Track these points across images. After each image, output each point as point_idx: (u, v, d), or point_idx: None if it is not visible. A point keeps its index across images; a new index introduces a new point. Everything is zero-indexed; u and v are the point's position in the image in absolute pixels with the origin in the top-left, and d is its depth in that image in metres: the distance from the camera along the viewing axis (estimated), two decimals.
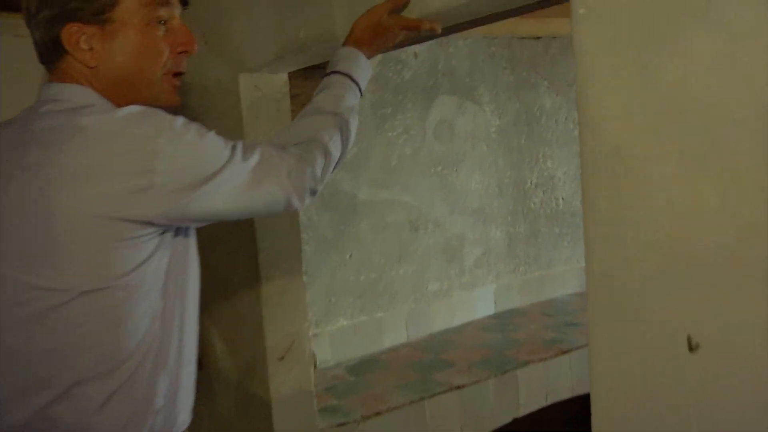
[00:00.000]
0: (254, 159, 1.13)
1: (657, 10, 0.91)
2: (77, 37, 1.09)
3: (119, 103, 1.11)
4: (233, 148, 1.11)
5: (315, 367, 2.88)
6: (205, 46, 2.15)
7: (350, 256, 3.05)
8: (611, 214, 1.03)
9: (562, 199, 3.80)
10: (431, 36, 1.48)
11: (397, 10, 1.41)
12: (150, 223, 1.04)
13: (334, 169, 1.31)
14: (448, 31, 1.79)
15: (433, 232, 3.32)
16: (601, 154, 1.04)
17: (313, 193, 1.24)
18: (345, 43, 1.45)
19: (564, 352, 2.87)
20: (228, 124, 2.13)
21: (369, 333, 3.10)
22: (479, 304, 3.53)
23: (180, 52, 1.18)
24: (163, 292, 1.13)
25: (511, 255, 3.64)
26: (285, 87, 2.18)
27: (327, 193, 2.94)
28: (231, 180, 1.09)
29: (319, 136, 1.28)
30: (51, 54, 1.13)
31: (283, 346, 2.24)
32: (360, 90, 1.42)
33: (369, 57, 1.44)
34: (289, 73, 2.19)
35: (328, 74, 1.44)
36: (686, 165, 0.90)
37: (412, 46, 3.16)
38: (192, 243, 1.22)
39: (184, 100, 2.20)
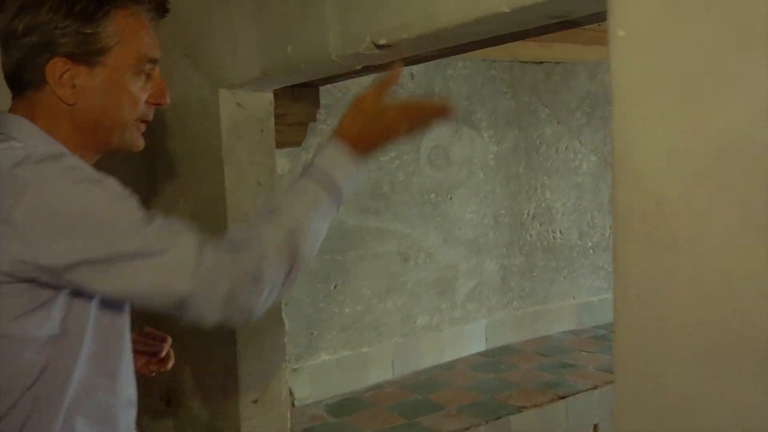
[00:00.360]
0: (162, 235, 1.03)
1: (716, 36, 0.75)
2: (62, 72, 1.07)
3: (89, 143, 1.13)
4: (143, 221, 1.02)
5: (293, 405, 2.68)
6: (185, 59, 1.99)
7: (335, 286, 2.87)
8: (647, 282, 0.86)
9: (560, 232, 3.64)
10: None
11: (389, 92, 1.20)
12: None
13: (279, 292, 1.10)
14: (450, 52, 1.62)
15: (425, 263, 3.14)
16: (637, 209, 0.88)
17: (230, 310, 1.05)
18: (333, 135, 1.21)
19: (561, 398, 2.69)
20: (206, 143, 1.96)
21: (353, 369, 2.91)
22: (470, 339, 3.35)
23: (153, 104, 1.18)
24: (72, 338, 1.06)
25: (504, 288, 3.47)
26: (270, 106, 2.00)
27: None
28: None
29: (262, 250, 1.08)
30: (25, 81, 1.10)
31: (258, 387, 2.05)
32: (341, 193, 1.18)
33: (364, 154, 1.19)
34: (275, 92, 2.02)
35: (307, 167, 1.20)
36: (748, 227, 0.73)
37: (409, 66, 3.01)
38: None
39: (161, 117, 2.03)
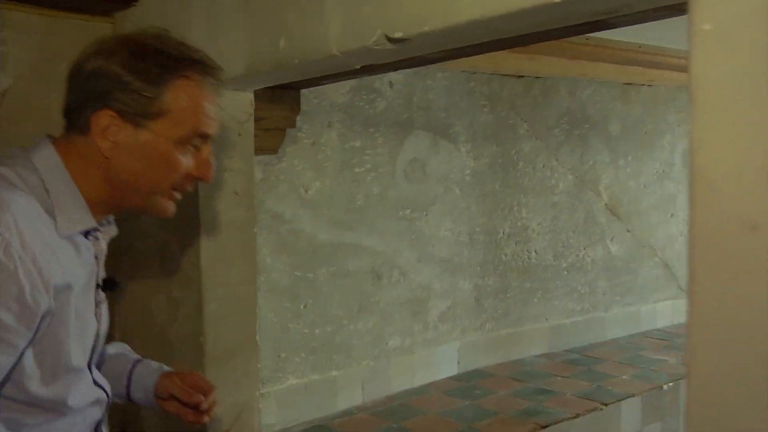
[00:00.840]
0: None
1: None
2: (108, 125, 1.08)
3: (113, 198, 1.14)
4: None
5: None
6: None
7: (305, 306, 2.68)
8: (728, 309, 0.73)
9: (535, 251, 3.52)
10: None
11: None
12: None
13: None
14: (459, 53, 1.47)
15: (398, 282, 2.98)
16: (718, 226, 0.74)
17: None
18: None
19: (542, 427, 2.55)
20: None
21: (321, 393, 2.72)
22: (442, 362, 3.19)
23: (195, 178, 1.17)
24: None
25: (478, 310, 3.32)
26: (250, 107, 1.83)
27: (285, 232, 2.58)
28: None
29: None
30: (73, 121, 1.11)
31: (230, 416, 1.87)
32: None
33: None
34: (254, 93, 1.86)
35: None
36: None
37: (389, 74, 2.86)
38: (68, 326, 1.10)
39: None
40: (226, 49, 1.58)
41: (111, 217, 1.23)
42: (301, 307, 2.67)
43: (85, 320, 1.15)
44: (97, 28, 1.91)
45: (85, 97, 1.09)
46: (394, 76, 2.88)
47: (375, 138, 2.85)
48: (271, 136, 2.09)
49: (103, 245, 1.20)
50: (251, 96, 1.81)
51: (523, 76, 3.34)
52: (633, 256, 3.96)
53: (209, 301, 1.81)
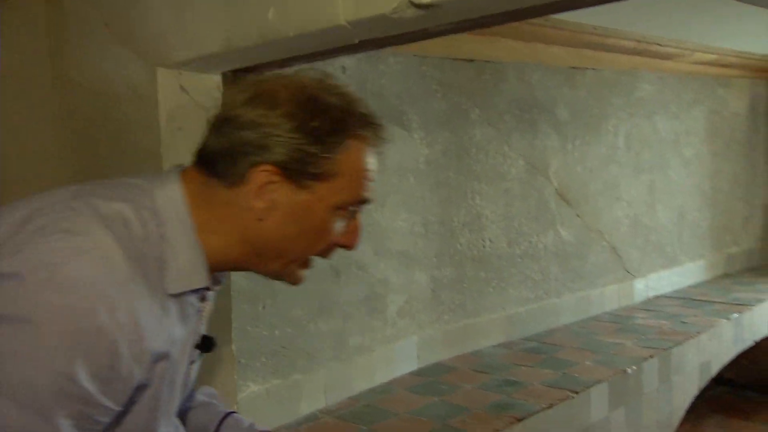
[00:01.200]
0: None
1: None
2: (268, 182, 0.96)
3: (239, 259, 1.00)
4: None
5: None
6: (105, 31, 1.59)
7: (264, 307, 2.51)
8: None
9: (489, 240, 3.44)
10: None
11: None
12: None
13: None
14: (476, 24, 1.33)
15: (356, 277, 2.84)
16: None
17: None
18: None
19: (518, 420, 2.47)
20: (139, 137, 1.58)
21: (284, 399, 2.56)
22: (401, 358, 3.07)
23: (340, 245, 1.06)
24: None
25: (435, 302, 3.22)
26: (217, 91, 1.66)
27: None
28: None
29: None
30: (219, 170, 0.97)
31: None
32: None
33: None
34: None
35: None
36: None
37: (340, 58, 2.71)
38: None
39: (73, 106, 1.61)
40: (196, 23, 1.40)
41: (224, 274, 1.09)
42: (260, 308, 2.50)
43: (177, 386, 1.01)
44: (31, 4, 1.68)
45: (240, 147, 0.95)
46: (347, 60, 2.73)
47: None
48: None
49: (211, 303, 1.07)
50: (219, 78, 1.64)
51: (473, 60, 3.25)
52: (582, 241, 3.94)
53: None
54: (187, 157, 1.52)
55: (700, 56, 3.85)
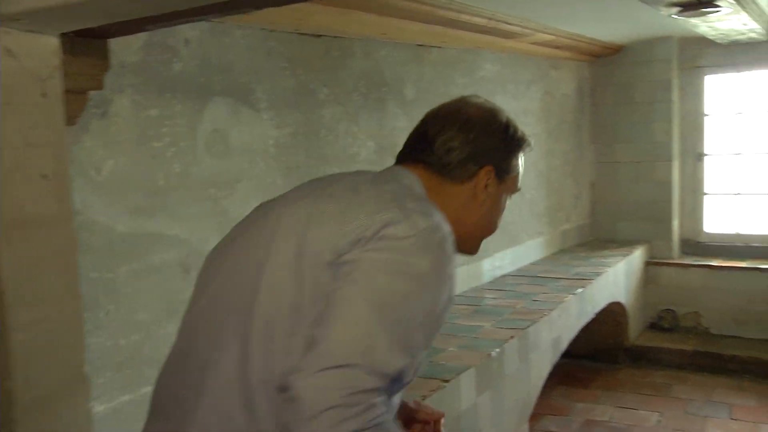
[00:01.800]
0: None
1: None
2: (489, 179, 1.33)
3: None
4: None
5: None
6: None
7: (107, 313, 2.19)
8: None
9: None
10: None
11: None
12: None
13: None
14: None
15: None
16: None
17: None
18: None
19: None
20: None
21: (134, 418, 2.24)
22: None
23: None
24: None
25: None
26: (54, 58, 1.35)
27: (75, 225, 2.04)
28: None
29: None
30: (452, 171, 1.31)
31: None
32: None
33: None
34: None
35: None
36: None
37: (183, 27, 2.41)
38: None
39: None
40: None
41: None
42: (102, 315, 2.17)
43: None
44: None
45: (476, 149, 1.30)
46: (190, 32, 2.44)
47: (173, 106, 2.39)
48: (69, 101, 1.58)
49: None
50: (56, 42, 1.33)
51: (321, 36, 3.06)
52: None
53: (15, 330, 1.32)
54: (16, 139, 1.23)
55: (540, 36, 3.90)
